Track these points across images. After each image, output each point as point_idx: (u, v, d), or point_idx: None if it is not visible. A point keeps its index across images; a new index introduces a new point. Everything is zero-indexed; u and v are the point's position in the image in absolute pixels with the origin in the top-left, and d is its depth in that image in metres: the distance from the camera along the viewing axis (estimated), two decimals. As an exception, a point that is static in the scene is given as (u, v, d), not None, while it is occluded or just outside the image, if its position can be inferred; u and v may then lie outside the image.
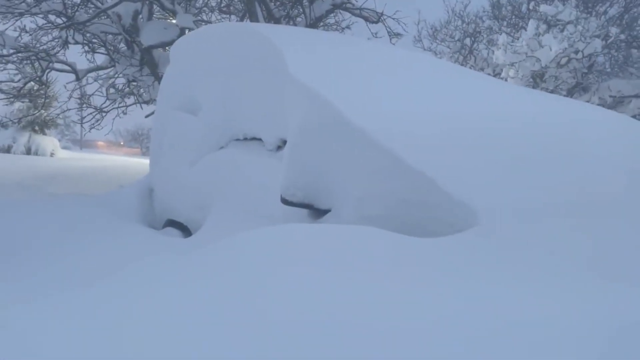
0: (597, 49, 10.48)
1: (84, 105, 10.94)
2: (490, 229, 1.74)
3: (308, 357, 1.11)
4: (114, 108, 10.69)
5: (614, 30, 10.79)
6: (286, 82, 2.80)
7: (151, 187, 4.58)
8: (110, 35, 9.39)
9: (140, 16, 8.52)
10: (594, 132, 2.64)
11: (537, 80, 11.16)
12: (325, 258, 1.54)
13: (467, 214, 1.83)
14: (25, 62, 9.61)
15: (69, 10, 8.54)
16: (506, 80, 11.02)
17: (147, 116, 10.19)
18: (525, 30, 11.51)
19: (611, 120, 3.07)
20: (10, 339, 1.31)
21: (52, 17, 9.07)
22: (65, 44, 9.03)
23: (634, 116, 9.50)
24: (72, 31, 8.78)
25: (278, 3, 9.52)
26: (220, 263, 1.65)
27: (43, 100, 12.13)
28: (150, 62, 8.59)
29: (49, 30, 9.37)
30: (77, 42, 9.16)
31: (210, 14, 11.20)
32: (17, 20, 8.91)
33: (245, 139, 3.49)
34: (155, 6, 9.07)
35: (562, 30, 10.83)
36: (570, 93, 11.08)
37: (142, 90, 9.94)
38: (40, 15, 8.82)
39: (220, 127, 3.63)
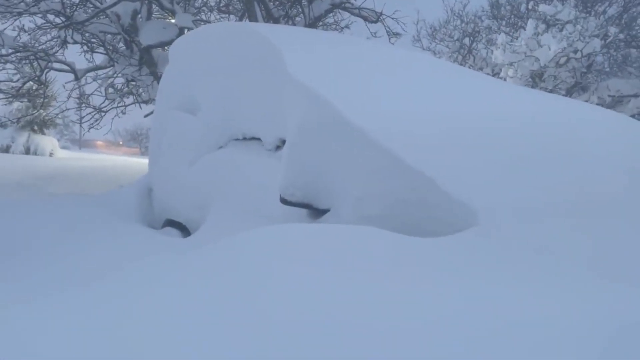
0: (596, 49, 10.49)
1: (83, 105, 10.94)
2: (489, 229, 1.74)
3: (308, 357, 1.11)
4: (113, 108, 10.69)
5: (612, 29, 10.81)
6: (285, 81, 2.80)
7: (150, 187, 4.58)
8: (109, 35, 9.38)
9: (139, 16, 8.51)
10: (593, 132, 2.64)
11: (536, 79, 11.17)
12: (325, 258, 1.54)
13: (467, 214, 1.83)
14: (24, 61, 9.61)
15: (68, 10, 8.53)
16: (505, 79, 11.02)
17: (146, 116, 10.19)
18: (524, 29, 11.52)
19: (610, 120, 3.07)
20: (10, 339, 1.31)
21: (50, 17, 9.07)
22: (64, 43, 9.03)
23: (632, 115, 9.51)
24: (70, 31, 8.77)
25: (277, 3, 9.51)
26: (220, 263, 1.65)
27: (42, 100, 12.13)
28: (149, 62, 8.59)
29: (48, 30, 9.36)
30: (75, 42, 9.15)
31: (209, 13, 11.20)
32: (15, 20, 8.91)
33: (245, 138, 3.48)
34: (154, 6, 9.07)
35: (561, 30, 10.84)
36: (569, 92, 11.09)
37: (141, 89, 9.93)
38: (39, 15, 8.81)
39: (219, 127, 3.62)
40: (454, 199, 1.88)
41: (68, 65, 9.57)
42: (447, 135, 2.21)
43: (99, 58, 10.30)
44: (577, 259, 1.63)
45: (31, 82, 10.49)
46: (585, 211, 1.91)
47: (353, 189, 2.20)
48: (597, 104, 9.67)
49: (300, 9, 9.32)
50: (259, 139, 3.32)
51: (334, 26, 11.26)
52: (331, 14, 10.16)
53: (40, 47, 9.50)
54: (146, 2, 8.57)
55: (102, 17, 8.55)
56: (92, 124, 10.70)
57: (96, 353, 1.20)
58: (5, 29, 8.82)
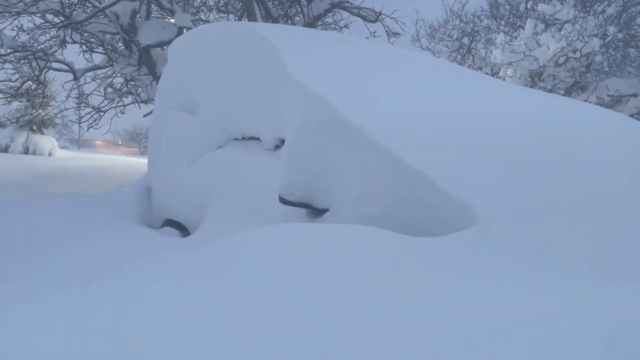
0: (595, 48, 10.49)
1: (82, 105, 10.93)
2: (489, 229, 1.74)
3: (307, 357, 1.10)
4: (112, 107, 10.68)
5: (611, 29, 10.81)
6: (284, 81, 2.80)
7: (149, 187, 4.57)
8: (108, 35, 9.37)
9: (138, 15, 8.50)
10: (593, 132, 2.64)
11: (535, 79, 11.17)
12: (324, 257, 1.54)
13: (466, 214, 1.83)
14: (22, 61, 9.60)
15: (67, 10, 8.52)
16: (504, 79, 11.03)
17: (145, 115, 10.19)
18: (523, 29, 11.52)
19: (609, 120, 3.07)
20: (10, 339, 1.31)
21: (49, 17, 9.06)
22: (62, 43, 9.02)
23: (631, 115, 9.51)
24: (69, 30, 8.76)
25: (276, 2, 9.51)
26: (219, 262, 1.65)
27: (41, 99, 12.14)
28: (148, 62, 8.58)
29: (47, 30, 9.35)
30: (74, 42, 9.14)
31: (208, 13, 11.19)
32: (14, 20, 8.90)
33: (244, 138, 3.48)
34: (153, 5, 9.06)
35: (560, 30, 10.84)
36: (568, 92, 11.09)
37: (140, 89, 9.92)
38: (38, 15, 8.80)
39: (218, 127, 3.62)
40: (453, 199, 1.88)
41: (67, 65, 9.56)
42: (446, 135, 2.21)
43: (98, 58, 10.30)
44: (577, 258, 1.63)
45: (30, 82, 10.48)
46: (585, 211, 1.91)
47: (352, 189, 2.20)
48: (596, 104, 9.67)
49: (299, 9, 9.32)
50: (258, 139, 3.32)
51: (333, 26, 11.26)
52: (330, 14, 10.15)
53: (39, 47, 9.49)
54: (145, 1, 8.57)
55: (101, 16, 8.54)
56: (91, 123, 10.69)
57: (96, 353, 1.20)
58: (4, 28, 8.82)
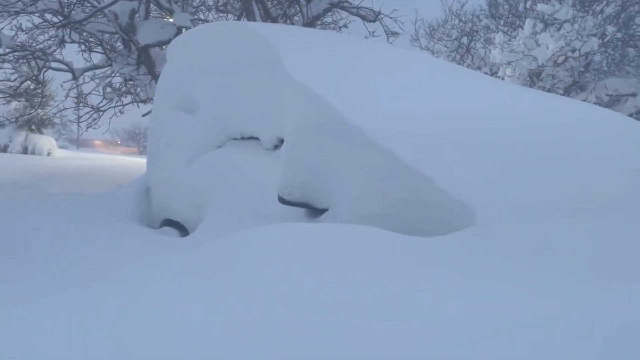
0: (594, 48, 10.51)
1: (81, 105, 10.92)
2: (488, 228, 1.74)
3: (307, 357, 1.10)
4: (110, 107, 10.67)
5: (610, 28, 10.82)
6: (283, 81, 2.80)
7: (148, 187, 4.57)
8: (107, 34, 9.37)
9: (137, 15, 8.50)
10: (592, 132, 2.64)
11: (534, 79, 11.18)
12: (324, 257, 1.54)
13: (465, 213, 1.83)
14: (21, 61, 9.59)
15: (65, 9, 8.51)
16: (503, 79, 11.03)
17: (144, 115, 10.19)
18: (522, 29, 11.53)
19: (609, 120, 3.07)
20: (10, 339, 1.31)
21: (48, 16, 9.05)
22: (61, 42, 9.01)
23: (630, 115, 9.52)
24: (68, 30, 8.75)
25: (275, 2, 9.51)
26: (218, 262, 1.65)
27: (40, 99, 12.12)
28: (147, 61, 8.58)
29: (46, 29, 9.35)
30: (73, 41, 9.13)
31: (207, 12, 11.19)
32: (13, 19, 8.89)
33: (243, 138, 3.48)
34: (152, 5, 9.05)
35: (558, 29, 10.85)
36: (567, 92, 11.10)
37: (139, 89, 9.91)
38: (37, 14, 8.79)
39: (217, 126, 3.62)
40: (452, 199, 1.88)
41: (66, 64, 9.56)
42: (445, 135, 2.21)
43: (97, 57, 10.31)
44: (577, 258, 1.63)
45: (29, 82, 10.48)
46: (585, 211, 1.91)
47: (351, 189, 2.20)
48: (595, 103, 9.69)
49: (298, 8, 9.32)
50: (257, 139, 3.32)
51: (332, 25, 11.27)
52: (329, 13, 10.16)
53: (37, 47, 9.49)
54: (144, 1, 8.56)
55: (99, 16, 8.54)
56: (90, 123, 10.69)
57: (96, 353, 1.20)
58: (2, 28, 8.82)
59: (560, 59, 10.62)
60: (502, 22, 14.76)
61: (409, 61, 3.46)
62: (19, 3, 8.31)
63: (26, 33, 9.28)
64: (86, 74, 10.03)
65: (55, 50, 9.47)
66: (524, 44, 10.88)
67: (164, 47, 8.57)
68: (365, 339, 1.15)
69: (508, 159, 2.12)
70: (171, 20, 8.47)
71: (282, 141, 3.00)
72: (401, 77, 2.93)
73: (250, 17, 8.19)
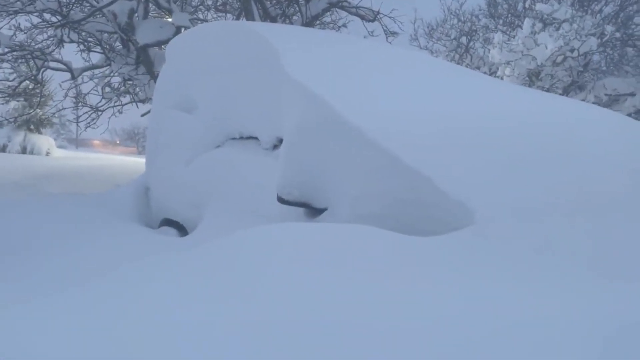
0: (593, 47, 10.51)
1: (80, 104, 10.91)
2: (487, 228, 1.74)
3: (306, 357, 1.10)
4: (109, 107, 10.67)
5: (609, 28, 10.83)
6: (282, 81, 2.80)
7: (147, 187, 4.57)
8: (105, 34, 9.37)
9: (136, 15, 8.49)
10: (592, 131, 2.64)
11: (532, 78, 11.19)
12: (323, 257, 1.54)
13: (464, 213, 1.83)
14: (20, 60, 9.58)
15: (64, 9, 8.50)
16: (502, 78, 11.04)
17: (143, 115, 10.19)
18: (521, 28, 11.54)
19: (608, 119, 3.07)
20: (10, 339, 1.31)
21: (47, 16, 9.05)
22: (60, 42, 9.00)
23: (629, 114, 9.53)
24: (67, 30, 8.75)
25: (274, 1, 9.51)
26: (217, 262, 1.65)
27: (38, 99, 12.11)
28: (146, 61, 8.57)
29: (44, 29, 9.34)
30: (72, 41, 9.13)
31: (206, 12, 11.19)
32: (11, 19, 8.88)
33: (242, 137, 3.48)
34: (151, 4, 9.05)
35: (557, 29, 10.86)
36: (566, 91, 11.11)
37: (137, 89, 9.91)
38: (35, 14, 8.79)
39: (216, 126, 3.62)
40: (451, 198, 1.89)
41: (64, 64, 9.55)
42: (445, 134, 2.21)
43: (96, 57, 10.32)
44: (576, 258, 1.63)
45: (27, 81, 10.47)
46: (584, 211, 1.91)
47: (350, 188, 2.20)
48: (594, 103, 9.69)
49: (297, 8, 9.31)
50: (256, 138, 3.32)
51: (331, 25, 11.27)
52: (328, 13, 10.16)
53: (36, 46, 9.48)
54: (143, 1, 8.56)
55: (98, 16, 8.53)
56: (89, 123, 10.69)
57: (96, 353, 1.20)
58: (1, 27, 8.82)
59: (559, 59, 10.63)
60: (501, 21, 14.76)
61: (408, 61, 3.46)
62: (18, 3, 8.31)
63: (25, 33, 9.28)
64: (85, 73, 10.03)
65: (54, 50, 9.48)
66: (523, 43, 10.89)
67: (162, 46, 8.57)
68: (365, 338, 1.15)
69: (507, 159, 2.12)
70: (170, 19, 8.47)
71: (281, 141, 3.00)
72: (400, 77, 2.93)
73: (249, 17, 8.19)
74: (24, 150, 20.35)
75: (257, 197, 2.93)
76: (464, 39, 14.64)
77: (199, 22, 9.66)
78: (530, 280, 1.46)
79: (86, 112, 10.62)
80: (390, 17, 9.53)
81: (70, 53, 10.73)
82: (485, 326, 1.18)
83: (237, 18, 10.09)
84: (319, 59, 3.05)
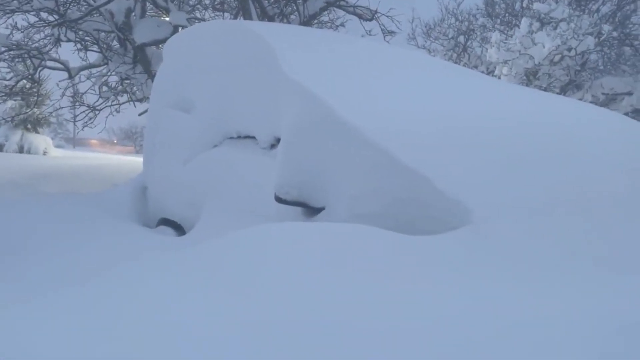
0: (590, 47, 10.52)
1: (77, 104, 10.89)
2: (485, 227, 1.74)
3: (305, 356, 1.10)
4: (107, 106, 10.63)
5: (606, 27, 10.83)
6: (280, 80, 2.80)
7: (145, 186, 4.56)
8: (102, 33, 9.34)
9: (133, 14, 8.48)
10: (590, 131, 2.64)
11: (530, 77, 11.19)
12: (321, 256, 1.54)
13: (462, 212, 1.84)
14: (17, 60, 9.56)
15: (61, 8, 8.48)
16: (499, 77, 11.05)
17: (140, 114, 10.17)
18: (519, 28, 11.54)
19: (606, 119, 3.07)
20: (9, 339, 1.31)
21: (44, 15, 9.02)
22: (57, 41, 8.98)
23: (626, 113, 9.53)
24: (64, 29, 8.73)
25: (272, 0, 9.49)
26: (215, 261, 1.65)
27: (35, 98, 12.08)
28: (143, 60, 8.55)
29: (41, 28, 9.31)
30: (69, 40, 9.10)
31: (203, 11, 11.16)
32: (8, 18, 8.85)
33: (239, 137, 3.48)
34: (148, 3, 9.03)
35: (555, 28, 10.86)
36: (563, 90, 11.12)
37: (135, 88, 9.89)
38: (32, 13, 8.76)
39: (213, 125, 3.61)
40: (448, 198, 1.89)
41: (62, 63, 9.53)
42: (443, 134, 2.21)
43: (93, 56, 10.26)
44: (575, 257, 1.64)
45: (24, 81, 10.43)
46: (583, 210, 1.91)
47: (348, 188, 2.20)
48: (591, 102, 9.70)
49: (295, 7, 9.30)
50: (253, 138, 3.32)
51: (329, 24, 11.26)
52: (326, 12, 10.15)
53: (33, 45, 9.45)
54: (140, 0, 8.54)
55: (95, 15, 8.50)
56: (86, 122, 10.65)
57: (95, 353, 1.20)
58: (-2, 27, 8.78)
59: (557, 58, 10.64)
60: (498, 21, 14.76)
61: (406, 60, 3.46)
62: (15, 2, 8.29)
63: (22, 32, 9.25)
64: (82, 72, 10.00)
65: (51, 49, 9.45)
66: (521, 42, 10.89)
67: (160, 45, 8.54)
68: (365, 338, 1.15)
69: (506, 158, 2.13)
70: (167, 19, 8.45)
71: (278, 140, 3.00)
72: (398, 76, 2.93)
73: (247, 16, 8.18)
74: (21, 150, 20.29)
75: (255, 197, 2.93)
76: (461, 38, 14.64)
77: (197, 21, 9.65)
78: (530, 280, 1.46)
79: (83, 112, 10.60)
80: (388, 16, 9.53)
81: (68, 52, 10.70)
82: (485, 326, 1.18)
83: (235, 17, 10.08)
84: (317, 59, 3.05)
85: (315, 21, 10.04)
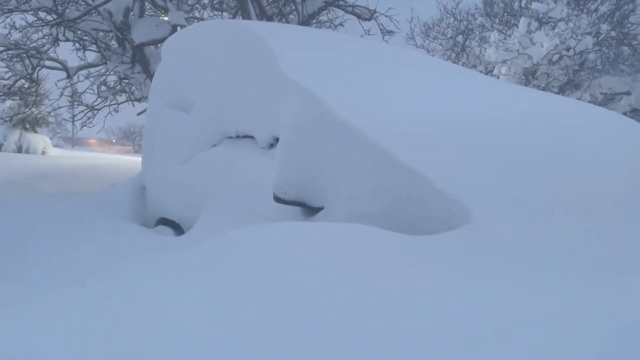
0: (588, 46, 10.53)
1: (75, 103, 10.88)
2: (484, 227, 1.74)
3: (305, 356, 1.10)
4: (105, 106, 10.62)
5: (605, 27, 10.84)
6: (279, 80, 2.80)
7: (143, 186, 4.56)
8: (101, 33, 9.32)
9: (132, 13, 8.46)
10: (590, 131, 2.65)
11: (528, 77, 11.20)
12: (320, 256, 1.54)
13: (460, 211, 1.84)
14: (15, 59, 9.54)
15: (59, 7, 8.47)
16: (498, 77, 11.06)
17: (139, 114, 10.15)
18: (517, 27, 11.54)
19: (606, 119, 3.08)
20: (9, 338, 1.30)
21: (42, 14, 9.00)
22: (55, 41, 8.97)
23: (624, 113, 9.54)
24: (62, 28, 8.71)
25: (270, 0, 9.49)
26: (213, 261, 1.65)
27: (34, 98, 12.07)
28: (141, 60, 8.54)
29: (40, 28, 9.30)
30: (67, 40, 9.09)
31: (202, 11, 11.15)
32: (6, 17, 8.84)
33: (238, 136, 3.47)
34: (146, 3, 9.02)
35: (553, 28, 10.87)
36: (561, 90, 11.13)
37: (133, 87, 9.88)
38: (30, 12, 8.75)
39: (212, 125, 3.61)
40: (447, 197, 1.89)
41: (60, 63, 9.51)
42: (442, 133, 2.21)
43: (91, 56, 10.29)
44: (574, 257, 1.64)
45: (23, 80, 10.42)
46: (583, 209, 1.92)
47: (347, 187, 2.20)
48: (589, 102, 9.71)
49: (293, 7, 9.30)
50: (252, 137, 3.31)
51: (327, 24, 11.26)
52: (325, 12, 10.15)
53: (31, 45, 9.44)
54: (139, -1, 8.53)
55: (94, 14, 8.49)
56: (85, 122, 10.64)
57: (95, 352, 1.19)
58: (-4, 26, 8.77)
59: (555, 58, 10.65)
60: (497, 20, 14.77)
61: (405, 60, 3.46)
62: (13, 1, 8.27)
63: (20, 31, 9.23)
64: (80, 72, 9.98)
65: (50, 48, 9.43)
66: (519, 42, 10.90)
67: (158, 45, 8.53)
68: (365, 338, 1.15)
69: (505, 158, 2.13)
70: (166, 18, 8.44)
71: (277, 140, 3.00)
72: (397, 76, 2.93)
73: (246, 16, 8.17)
74: (19, 149, 20.27)
75: (254, 196, 2.93)
76: (460, 38, 14.67)
77: (195, 20, 9.64)
78: (530, 280, 1.46)
79: (82, 111, 10.59)
80: (386, 16, 9.53)
81: (66, 52, 10.67)
82: (485, 326, 1.18)
83: (234, 17, 10.07)
84: (316, 58, 3.04)
85: (314, 21, 10.04)
